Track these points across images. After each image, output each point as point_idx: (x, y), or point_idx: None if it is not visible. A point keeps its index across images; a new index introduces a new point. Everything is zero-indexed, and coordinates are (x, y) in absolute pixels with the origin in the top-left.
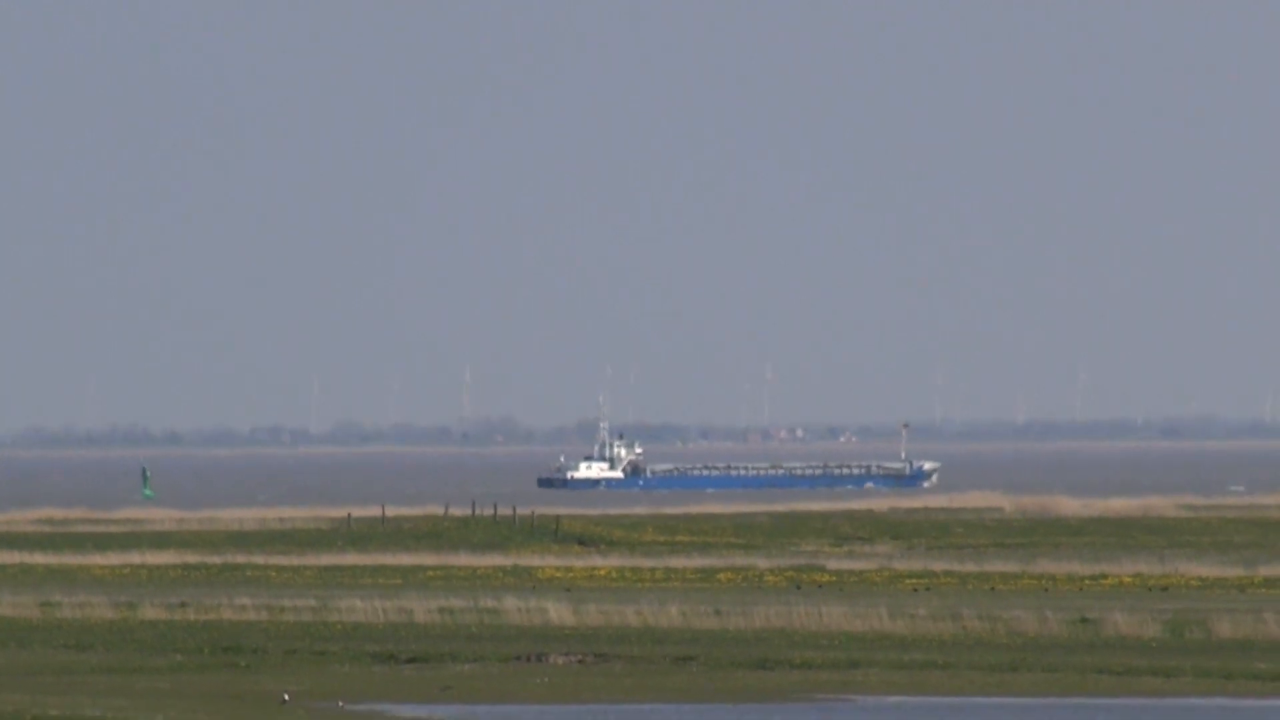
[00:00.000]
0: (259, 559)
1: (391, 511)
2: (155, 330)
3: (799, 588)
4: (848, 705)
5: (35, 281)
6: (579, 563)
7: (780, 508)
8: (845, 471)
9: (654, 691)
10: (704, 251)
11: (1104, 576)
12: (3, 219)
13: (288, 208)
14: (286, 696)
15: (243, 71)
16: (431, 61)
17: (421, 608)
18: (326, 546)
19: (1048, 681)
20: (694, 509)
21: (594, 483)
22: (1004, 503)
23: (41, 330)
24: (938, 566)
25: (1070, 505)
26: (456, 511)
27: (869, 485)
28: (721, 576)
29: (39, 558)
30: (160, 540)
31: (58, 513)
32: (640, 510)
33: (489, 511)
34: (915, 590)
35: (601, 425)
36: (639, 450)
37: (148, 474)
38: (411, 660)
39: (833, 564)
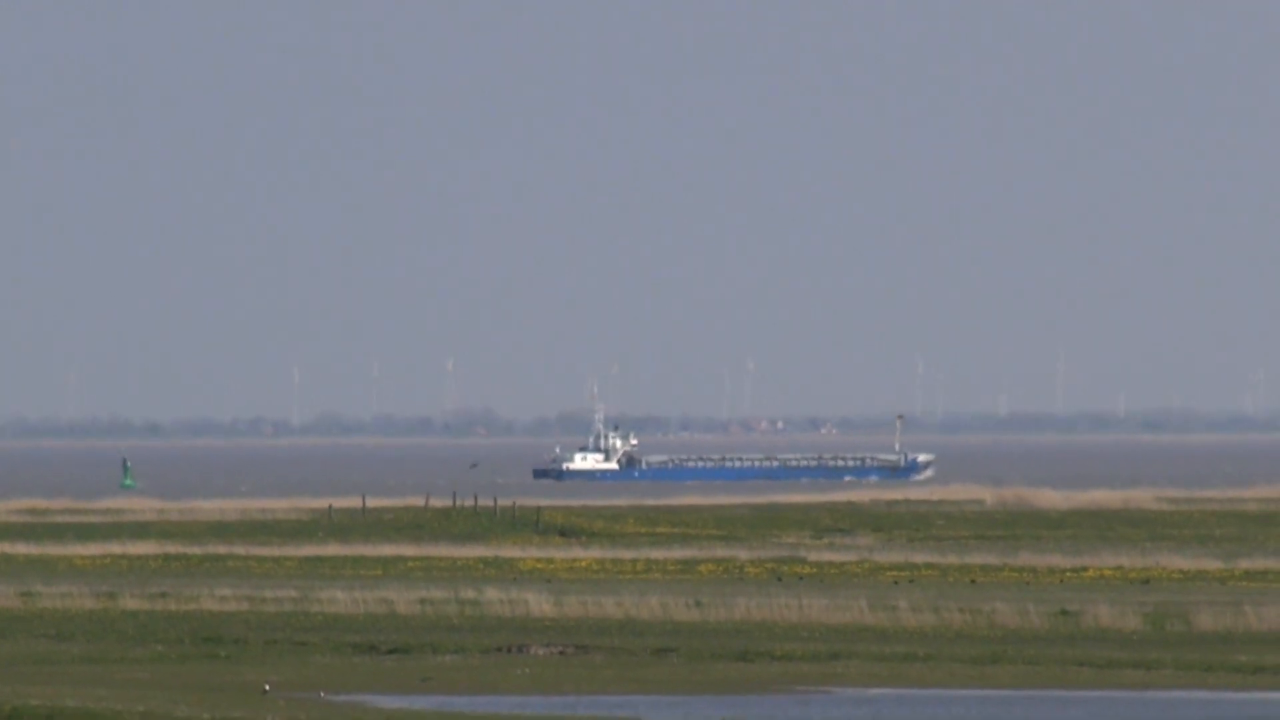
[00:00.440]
0: (240, 549)
1: (372, 503)
2: (136, 321)
3: (780, 579)
4: (828, 697)
5: (15, 273)
6: (560, 554)
7: (761, 499)
8: (840, 463)
9: (635, 683)
10: (685, 244)
11: (1085, 569)
12: None
13: (269, 200)
14: (267, 687)
15: (222, 62)
16: (411, 54)
17: (402, 599)
18: (307, 537)
19: (1028, 674)
20: (675, 500)
21: (589, 474)
22: (985, 495)
23: (22, 321)
24: (918, 558)
25: (1051, 498)
26: (437, 503)
27: (872, 478)
28: (702, 568)
29: (19, 548)
30: (141, 530)
31: (38, 503)
32: (621, 502)
33: (470, 503)
34: (896, 582)
35: (596, 417)
36: (634, 442)
37: (128, 464)
38: (392, 651)
39: (813, 556)
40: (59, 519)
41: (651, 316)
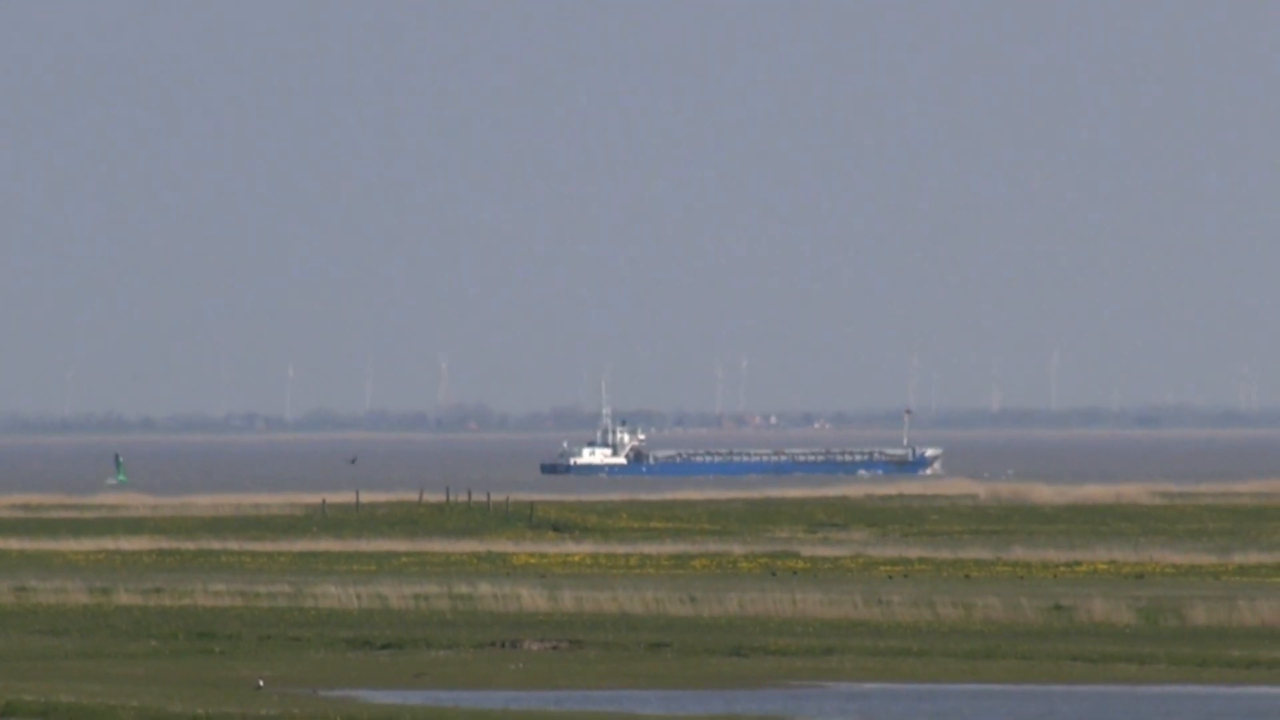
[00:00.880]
0: (233, 545)
1: (366, 498)
2: (130, 317)
3: (774, 574)
4: (822, 691)
5: (10, 269)
6: (553, 549)
7: (755, 494)
8: (848, 458)
9: (628, 678)
10: (678, 239)
11: (1078, 564)
12: None
13: (263, 196)
14: (261, 683)
15: (217, 59)
16: (405, 52)
17: (396, 594)
18: (301, 532)
19: (1022, 668)
20: (668, 495)
21: (597, 469)
22: (979, 489)
23: (16, 317)
24: (912, 553)
25: (1045, 492)
26: (431, 498)
27: (878, 472)
28: (696, 563)
29: (14, 543)
30: (135, 526)
31: (33, 498)
32: (615, 496)
33: (464, 498)
34: (890, 577)
35: (604, 412)
36: (642, 437)
37: (121, 460)
38: (386, 646)
39: (807, 551)
40: (53, 514)
41: (645, 312)
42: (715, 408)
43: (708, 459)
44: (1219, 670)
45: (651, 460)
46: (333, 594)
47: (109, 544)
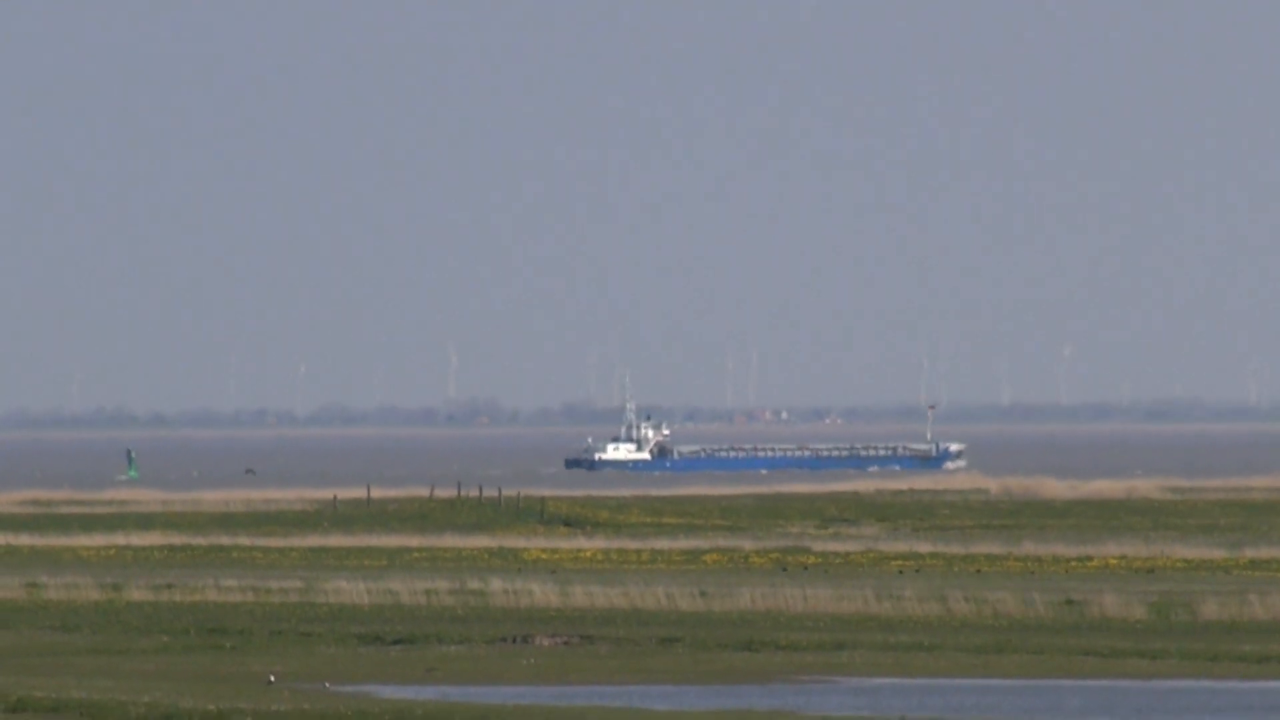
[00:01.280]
0: (244, 540)
1: (377, 493)
2: (140, 313)
3: (785, 569)
4: (833, 686)
5: (21, 265)
6: (565, 544)
7: (765, 490)
8: (871, 453)
9: (639, 673)
10: (689, 235)
11: (1089, 558)
12: None
13: (273, 192)
14: (272, 678)
15: (224, 55)
16: (411, 49)
17: (407, 589)
18: (312, 528)
19: (1033, 663)
20: (680, 491)
21: (622, 464)
22: (990, 484)
23: (27, 313)
24: (923, 548)
25: (1056, 487)
26: (442, 493)
27: (894, 467)
28: (707, 558)
29: (25, 539)
30: (146, 522)
31: (43, 494)
32: (626, 492)
33: (475, 493)
34: (901, 572)
35: (629, 407)
36: (666, 432)
37: (133, 456)
38: (397, 642)
39: (818, 546)
40: (64, 510)
41: (655, 307)
42: (726, 403)
43: (732, 454)
44: (1230, 665)
45: (675, 455)
46: (344, 589)
47: (120, 540)
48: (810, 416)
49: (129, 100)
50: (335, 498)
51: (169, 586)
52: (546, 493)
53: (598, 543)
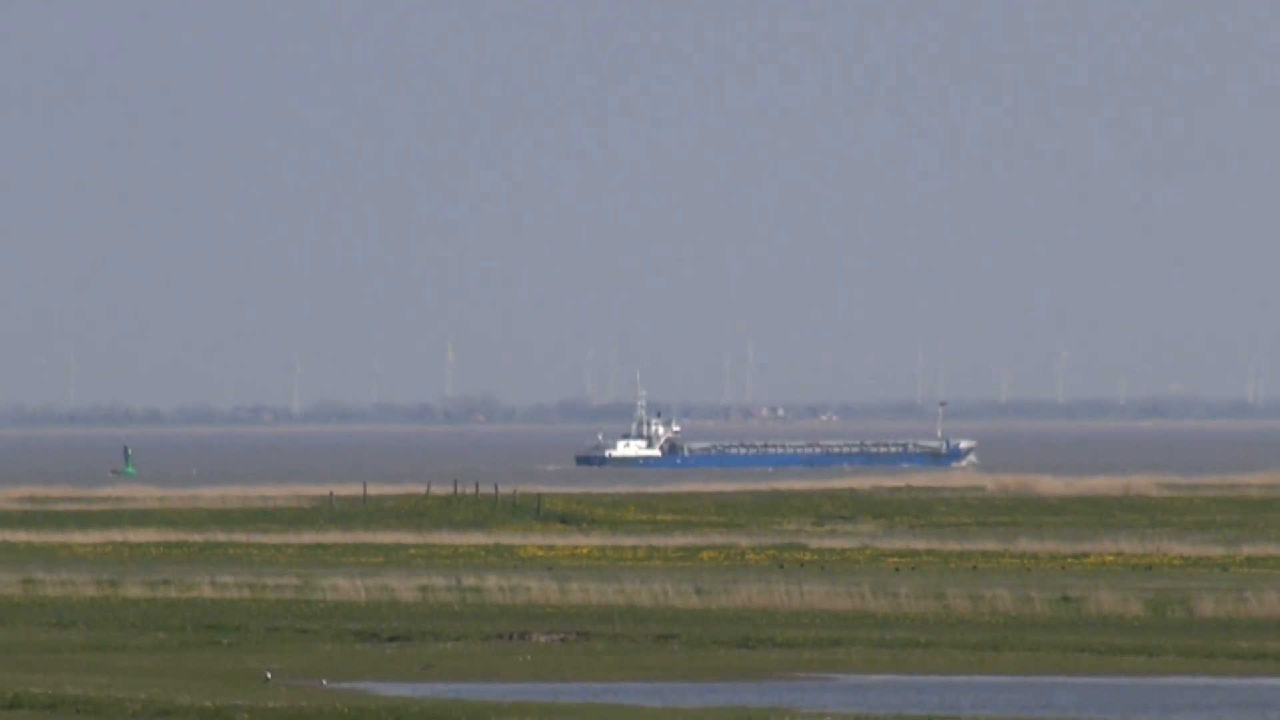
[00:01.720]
0: (241, 537)
1: (374, 490)
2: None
3: (781, 566)
4: (830, 684)
5: (16, 260)
6: (561, 541)
7: (762, 486)
8: (883, 450)
9: (636, 670)
10: (685, 230)
11: (1086, 555)
12: None
13: (269, 188)
14: (269, 675)
15: (220, 54)
16: (407, 47)
17: (403, 586)
18: (308, 525)
19: (1030, 660)
20: (675, 488)
21: (633, 461)
22: (986, 481)
23: (23, 309)
24: (920, 545)
25: (1052, 484)
26: (439, 490)
27: (902, 465)
28: (704, 555)
29: (21, 535)
30: (142, 518)
31: (39, 491)
32: (622, 489)
33: (471, 490)
34: (897, 569)
35: (639, 404)
36: (676, 429)
37: (129, 452)
38: (393, 639)
39: (815, 543)
40: (60, 507)
41: (652, 304)
42: (722, 400)
43: (743, 451)
44: (1227, 662)
45: (686, 452)
46: (341, 586)
47: (116, 536)
48: (806, 414)
49: (125, 97)
50: (331, 494)
51: (165, 583)
52: (543, 489)
53: (594, 539)
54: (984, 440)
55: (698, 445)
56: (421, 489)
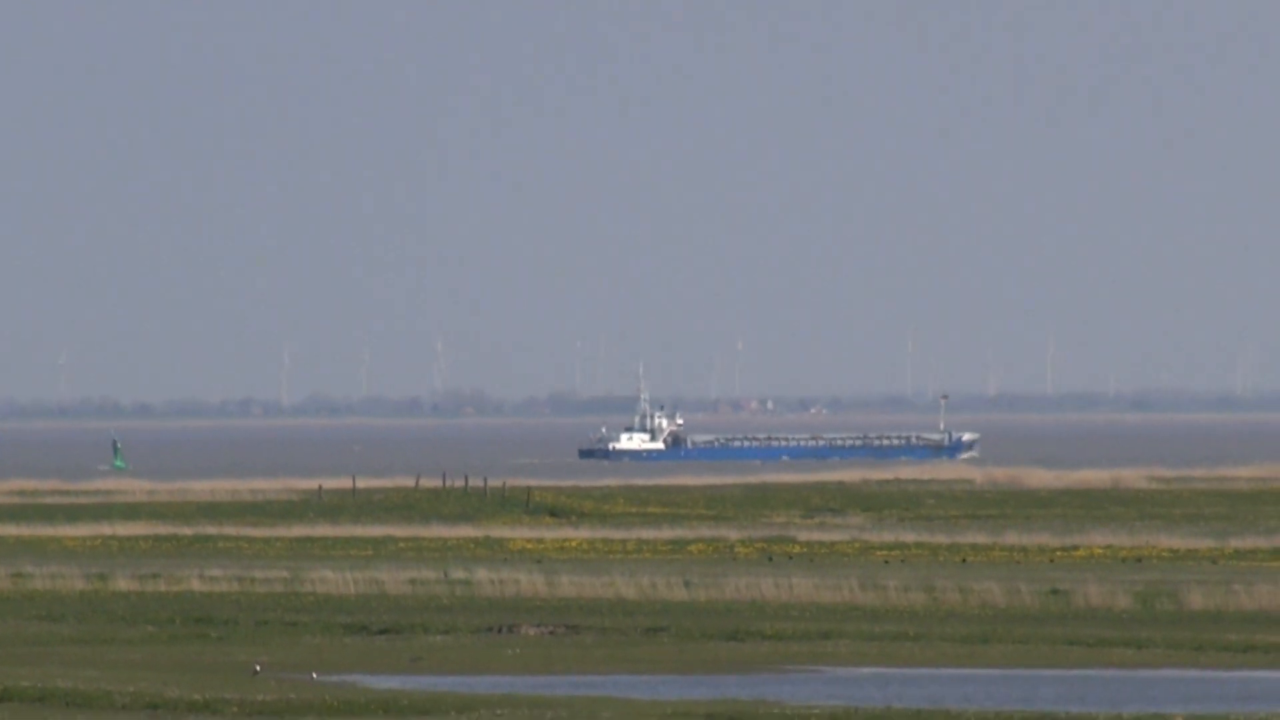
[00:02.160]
0: (230, 530)
1: (363, 483)
2: (126, 302)
3: (770, 559)
4: (819, 676)
5: (6, 255)
6: (550, 534)
7: (751, 479)
8: (885, 442)
9: (625, 662)
10: (674, 223)
11: (1075, 548)
12: None
13: (258, 182)
14: (258, 667)
15: (210, 50)
16: (401, 44)
17: (393, 579)
18: (298, 518)
19: (1019, 653)
20: (664, 480)
21: (636, 454)
22: (974, 474)
23: (12, 302)
24: (909, 538)
25: (1041, 477)
26: (428, 483)
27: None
28: (692, 548)
29: (10, 529)
30: (131, 512)
31: (29, 484)
32: (611, 481)
33: (460, 483)
34: (886, 562)
35: (642, 397)
36: (680, 422)
37: (119, 445)
38: (383, 631)
39: (803, 535)
40: (49, 500)
41: (641, 297)
42: (711, 393)
43: (746, 444)
44: (1216, 654)
45: (689, 445)
46: (330, 579)
47: (105, 530)
48: (796, 407)
49: (119, 94)
50: (320, 488)
51: (154, 576)
52: (532, 483)
53: (583, 532)
54: (977, 433)
55: (701, 438)
56: (410, 482)
